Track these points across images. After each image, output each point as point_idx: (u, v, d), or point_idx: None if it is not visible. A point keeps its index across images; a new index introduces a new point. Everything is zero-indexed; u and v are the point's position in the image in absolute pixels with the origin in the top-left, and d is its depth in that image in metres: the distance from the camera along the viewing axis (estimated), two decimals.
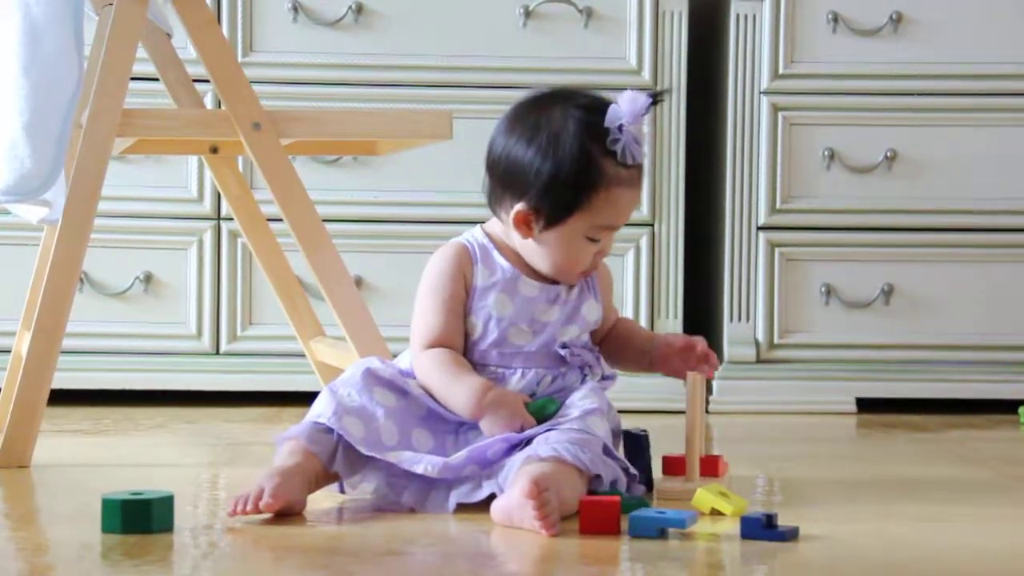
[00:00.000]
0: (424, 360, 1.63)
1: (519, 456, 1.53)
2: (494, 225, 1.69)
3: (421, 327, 1.65)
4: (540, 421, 1.59)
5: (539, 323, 1.65)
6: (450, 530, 1.47)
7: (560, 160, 1.59)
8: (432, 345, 1.64)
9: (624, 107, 1.60)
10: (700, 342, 1.70)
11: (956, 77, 2.57)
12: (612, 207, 1.61)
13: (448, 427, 1.62)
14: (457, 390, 1.60)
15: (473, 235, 1.68)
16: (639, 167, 1.63)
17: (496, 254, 1.66)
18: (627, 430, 1.69)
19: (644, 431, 1.70)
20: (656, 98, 1.61)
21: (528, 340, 1.64)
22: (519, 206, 1.62)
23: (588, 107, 1.62)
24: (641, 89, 2.52)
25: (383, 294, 2.54)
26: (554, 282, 1.67)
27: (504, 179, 1.63)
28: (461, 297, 1.64)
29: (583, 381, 1.65)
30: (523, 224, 1.63)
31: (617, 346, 1.74)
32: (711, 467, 1.70)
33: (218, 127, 1.88)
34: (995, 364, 2.58)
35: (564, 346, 1.64)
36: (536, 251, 1.64)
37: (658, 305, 2.57)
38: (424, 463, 1.54)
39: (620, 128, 1.59)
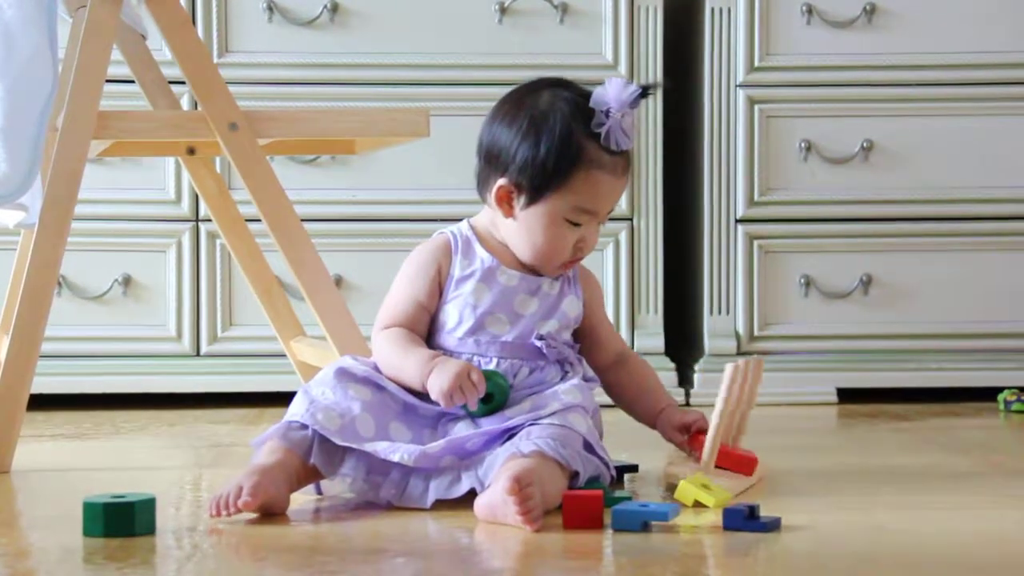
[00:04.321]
0: (379, 339, 1.66)
1: (501, 450, 1.54)
2: (481, 218, 1.70)
3: (386, 310, 1.68)
4: (491, 391, 1.59)
5: (516, 314, 1.65)
6: (433, 527, 1.47)
7: (542, 135, 1.61)
8: (390, 327, 1.66)
9: (611, 92, 1.61)
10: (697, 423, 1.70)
11: (930, 67, 2.58)
12: (592, 190, 1.62)
13: (426, 421, 1.62)
14: (408, 362, 1.62)
15: (459, 227, 1.70)
16: (624, 156, 1.64)
17: (477, 245, 1.67)
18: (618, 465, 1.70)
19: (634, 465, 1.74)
20: (646, 90, 1.62)
21: (505, 329, 1.65)
22: (501, 181, 1.64)
23: (578, 92, 1.65)
24: None
25: (363, 293, 2.53)
26: (535, 274, 1.67)
27: (489, 157, 1.66)
28: (432, 291, 1.66)
29: (563, 378, 1.65)
30: (504, 201, 1.65)
31: (629, 396, 1.73)
32: (744, 464, 1.65)
33: (195, 128, 1.88)
34: (974, 352, 2.59)
35: (540, 338, 1.65)
36: (517, 234, 1.65)
37: (638, 299, 2.58)
38: (401, 451, 1.54)
39: (607, 113, 1.61)
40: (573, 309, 1.69)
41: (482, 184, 1.68)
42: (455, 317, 1.65)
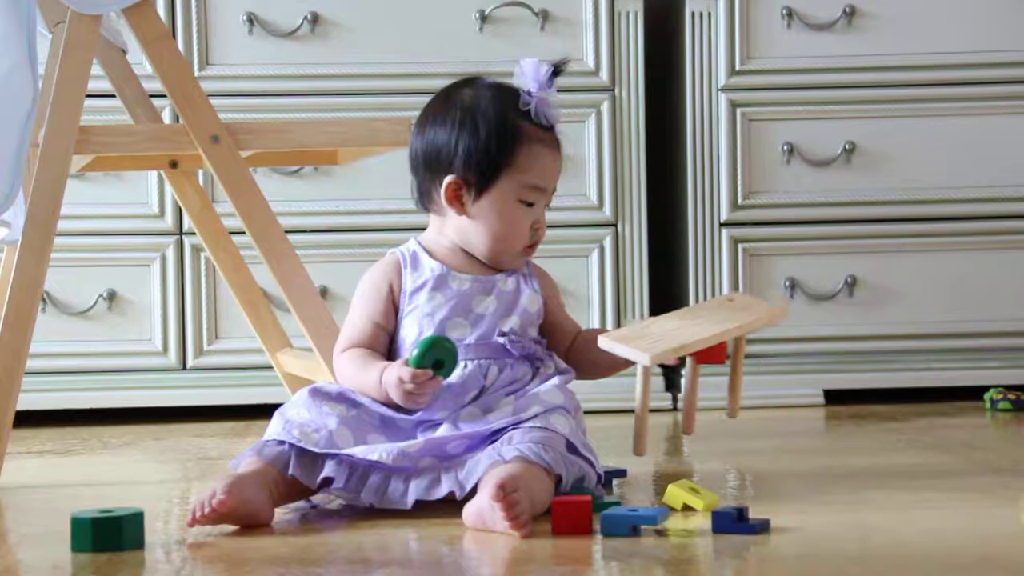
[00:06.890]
0: (340, 361, 1.69)
1: (483, 455, 1.54)
2: (427, 232, 1.73)
3: (344, 333, 1.71)
4: (437, 360, 1.58)
5: (476, 315, 1.67)
6: (422, 535, 1.47)
7: (479, 122, 1.66)
8: (347, 350, 1.69)
9: (527, 73, 1.68)
10: None
11: (910, 68, 2.58)
12: (537, 164, 1.67)
13: (403, 433, 1.62)
14: (366, 379, 1.64)
15: (406, 245, 1.73)
16: (555, 133, 1.70)
17: (425, 256, 1.70)
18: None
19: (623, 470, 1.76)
20: (557, 68, 1.68)
21: (467, 332, 1.66)
22: (448, 179, 1.67)
23: (494, 82, 1.70)
24: (599, 90, 2.57)
25: (348, 303, 2.52)
26: (488, 274, 1.68)
27: (428, 164, 1.69)
28: (387, 310, 1.69)
29: (536, 375, 1.66)
30: (455, 198, 1.67)
31: (592, 357, 1.72)
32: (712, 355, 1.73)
33: (176, 141, 1.87)
34: (960, 351, 2.59)
35: (503, 334, 1.65)
36: (474, 229, 1.68)
37: (624, 305, 2.58)
38: (379, 451, 1.56)
39: (529, 92, 1.67)
40: (533, 304, 1.70)
41: (425, 195, 1.71)
42: (415, 329, 1.67)
